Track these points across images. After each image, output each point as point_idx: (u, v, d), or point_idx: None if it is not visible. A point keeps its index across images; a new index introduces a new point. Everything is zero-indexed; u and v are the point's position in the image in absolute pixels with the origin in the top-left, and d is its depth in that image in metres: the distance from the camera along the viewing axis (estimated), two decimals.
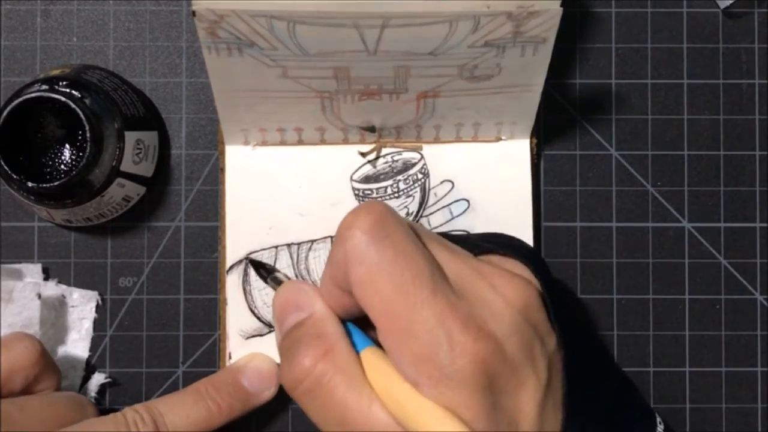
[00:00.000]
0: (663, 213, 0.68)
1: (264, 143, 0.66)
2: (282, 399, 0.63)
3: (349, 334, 0.54)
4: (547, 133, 0.68)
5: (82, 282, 0.67)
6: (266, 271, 0.65)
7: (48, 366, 0.61)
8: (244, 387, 0.63)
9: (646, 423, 0.60)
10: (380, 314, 0.51)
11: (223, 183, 0.66)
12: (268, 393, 0.64)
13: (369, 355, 0.53)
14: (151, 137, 0.65)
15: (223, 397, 0.62)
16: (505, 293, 0.52)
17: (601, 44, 0.68)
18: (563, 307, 0.56)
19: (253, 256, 0.66)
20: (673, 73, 0.69)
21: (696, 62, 0.69)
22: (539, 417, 0.51)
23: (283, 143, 0.66)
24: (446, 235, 0.57)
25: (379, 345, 0.53)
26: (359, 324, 0.55)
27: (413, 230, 0.53)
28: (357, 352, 0.53)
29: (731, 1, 0.68)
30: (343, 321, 0.55)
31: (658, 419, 0.60)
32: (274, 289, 0.63)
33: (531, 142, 0.66)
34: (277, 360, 0.63)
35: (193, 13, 0.53)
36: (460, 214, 0.66)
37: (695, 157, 0.68)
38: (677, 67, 0.69)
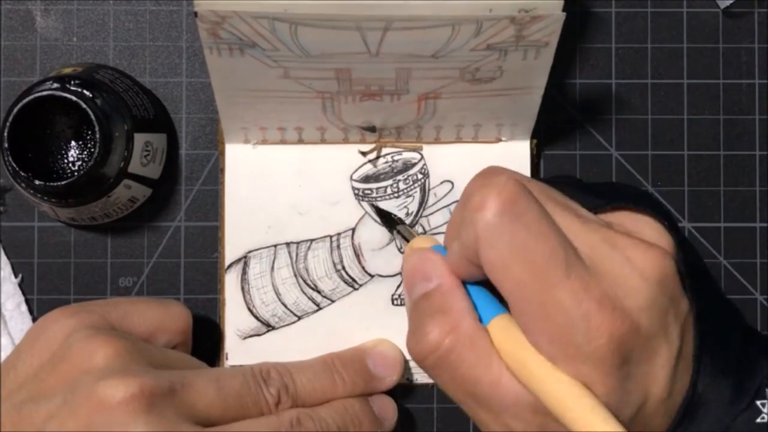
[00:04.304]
0: None
1: (264, 142, 0.66)
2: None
3: (475, 301, 0.55)
4: (547, 133, 0.68)
5: (82, 282, 0.67)
6: (393, 222, 0.65)
7: (188, 339, 0.62)
8: (369, 368, 0.64)
9: None
10: (513, 296, 0.51)
11: (222, 183, 0.66)
12: (389, 380, 0.64)
13: (498, 324, 0.53)
14: (159, 139, 0.65)
15: (348, 373, 0.62)
16: (643, 267, 0.52)
17: (601, 44, 0.68)
18: (687, 256, 0.56)
19: (252, 254, 0.66)
20: (673, 73, 0.68)
21: (696, 62, 0.69)
22: (670, 381, 0.52)
23: (283, 142, 0.66)
24: (567, 183, 0.57)
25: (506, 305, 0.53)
26: (486, 284, 0.55)
27: (539, 201, 0.53)
28: (483, 323, 0.54)
29: (731, 1, 0.67)
30: (472, 283, 0.55)
31: None
32: (398, 246, 0.65)
33: (531, 143, 0.66)
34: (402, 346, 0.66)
35: (195, 14, 0.53)
36: None
37: (695, 157, 0.68)
38: (677, 67, 0.69)
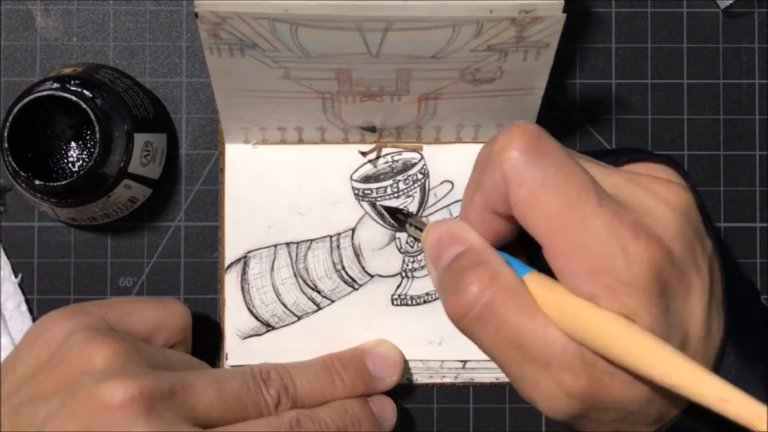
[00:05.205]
0: None
1: (264, 142, 0.66)
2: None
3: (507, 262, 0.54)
4: None
5: (82, 282, 0.67)
6: (404, 216, 0.65)
7: (187, 337, 0.62)
8: (368, 369, 0.64)
9: None
10: (548, 233, 0.50)
11: (222, 183, 0.66)
12: (389, 381, 0.64)
13: (532, 278, 0.52)
14: (159, 139, 0.65)
15: (348, 374, 0.63)
16: (667, 199, 0.52)
17: (601, 44, 0.68)
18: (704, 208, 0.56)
19: (252, 254, 0.66)
20: (673, 73, 0.69)
21: (696, 62, 0.69)
22: (706, 318, 0.51)
23: (283, 142, 0.66)
24: (585, 152, 0.57)
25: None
26: (508, 251, 0.55)
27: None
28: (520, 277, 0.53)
29: (731, 1, 0.68)
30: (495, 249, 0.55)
31: None
32: (415, 237, 0.64)
33: None
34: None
35: (196, 15, 0.53)
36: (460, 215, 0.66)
37: (695, 157, 0.68)
38: (677, 67, 0.69)
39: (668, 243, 0.50)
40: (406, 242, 0.66)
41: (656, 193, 0.52)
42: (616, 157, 0.58)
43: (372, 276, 0.66)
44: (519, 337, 0.51)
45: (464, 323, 0.53)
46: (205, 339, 0.66)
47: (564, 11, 0.54)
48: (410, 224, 0.63)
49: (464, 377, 0.67)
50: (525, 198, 0.50)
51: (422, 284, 0.66)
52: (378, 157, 0.66)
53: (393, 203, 0.66)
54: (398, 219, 0.65)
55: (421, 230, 0.60)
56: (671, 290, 0.50)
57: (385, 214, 0.66)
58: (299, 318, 0.66)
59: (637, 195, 0.52)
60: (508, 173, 0.50)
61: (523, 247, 0.55)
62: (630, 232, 0.49)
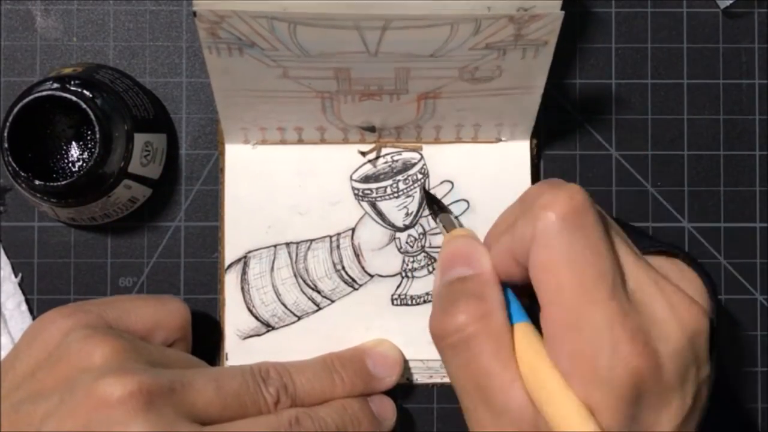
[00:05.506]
0: (663, 213, 0.68)
1: (264, 142, 0.66)
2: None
3: (507, 302, 0.54)
4: (547, 133, 0.68)
5: (82, 282, 0.67)
6: (439, 208, 0.65)
7: (187, 335, 0.62)
8: (368, 368, 0.64)
9: None
10: (551, 301, 0.50)
11: (222, 183, 0.66)
12: (389, 380, 0.64)
13: (522, 330, 0.52)
14: (159, 140, 0.65)
15: (347, 373, 0.62)
16: (682, 316, 0.52)
17: (601, 44, 0.68)
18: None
19: (252, 254, 0.66)
20: (673, 73, 0.68)
21: (696, 62, 0.69)
22: None
23: (283, 142, 0.66)
24: (623, 225, 0.57)
25: (532, 317, 0.53)
26: (515, 290, 0.55)
27: (605, 225, 0.53)
28: (511, 324, 0.53)
29: (731, 1, 0.67)
30: (503, 284, 0.55)
31: None
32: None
33: (531, 143, 0.66)
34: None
35: (194, 14, 0.53)
36: (460, 215, 0.66)
37: (695, 157, 0.68)
38: (677, 67, 0.69)
39: (662, 359, 0.50)
40: (406, 242, 0.66)
41: (674, 307, 0.52)
42: (654, 243, 0.58)
43: (372, 276, 0.66)
44: (484, 380, 0.52)
45: (441, 345, 0.54)
46: (205, 339, 0.66)
47: (562, 9, 0.54)
48: (439, 220, 0.63)
49: None
50: (544, 261, 0.51)
51: (422, 284, 0.66)
52: (378, 157, 0.67)
53: (393, 203, 0.66)
54: (432, 207, 0.65)
55: (446, 230, 0.60)
56: (645, 403, 0.50)
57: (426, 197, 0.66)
58: (299, 318, 0.66)
59: (655, 301, 0.52)
60: (539, 232, 0.51)
61: (530, 287, 0.55)
62: (628, 334, 0.49)
